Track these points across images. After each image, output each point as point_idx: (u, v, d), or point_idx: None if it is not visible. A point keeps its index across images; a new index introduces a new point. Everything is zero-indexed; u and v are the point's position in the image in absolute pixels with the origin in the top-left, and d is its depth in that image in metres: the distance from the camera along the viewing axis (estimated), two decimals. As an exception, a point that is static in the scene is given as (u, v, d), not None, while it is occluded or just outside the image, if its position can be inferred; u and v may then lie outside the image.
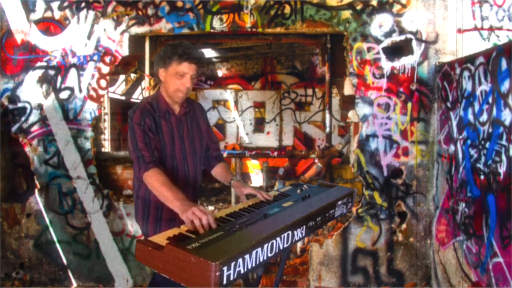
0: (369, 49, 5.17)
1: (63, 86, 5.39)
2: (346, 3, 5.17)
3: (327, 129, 6.70)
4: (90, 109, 5.42)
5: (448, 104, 4.74)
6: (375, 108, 5.19)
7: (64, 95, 5.39)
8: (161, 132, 3.18)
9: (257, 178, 12.88)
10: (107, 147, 9.55)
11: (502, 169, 3.56)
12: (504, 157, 3.53)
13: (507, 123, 3.49)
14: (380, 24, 5.15)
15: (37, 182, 5.46)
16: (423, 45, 5.14)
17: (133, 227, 5.45)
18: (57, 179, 5.44)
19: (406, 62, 5.16)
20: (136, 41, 5.67)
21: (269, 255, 2.38)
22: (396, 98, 5.16)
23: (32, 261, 5.53)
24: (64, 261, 5.52)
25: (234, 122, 13.71)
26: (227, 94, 13.63)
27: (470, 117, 4.17)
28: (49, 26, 5.38)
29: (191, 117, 3.40)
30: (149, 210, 3.23)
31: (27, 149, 5.42)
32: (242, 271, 2.17)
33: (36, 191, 5.47)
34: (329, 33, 5.88)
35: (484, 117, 3.89)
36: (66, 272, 5.53)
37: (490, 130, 3.77)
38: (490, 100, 3.77)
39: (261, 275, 2.94)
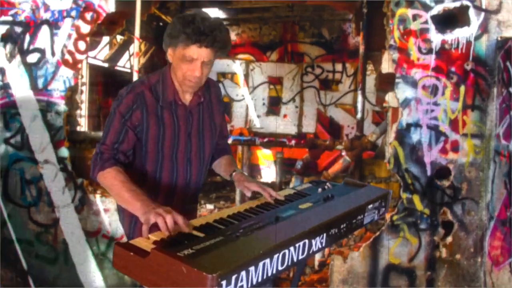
0: (414, 17, 5.13)
1: (31, 47, 5.39)
2: (389, -44, 5.13)
3: (359, 115, 6.71)
4: (64, 77, 5.43)
5: (511, 90, 4.71)
6: (420, 90, 5.16)
7: (32, 58, 5.40)
8: (163, 126, 3.07)
9: (268, 172, 12.93)
10: (83, 125, 9.60)
11: None
12: None
13: None
14: (430, -15, 5.11)
15: (-6, 166, 5.51)
16: (482, 14, 5.08)
17: (111, 226, 5.48)
18: (19, 162, 5.46)
19: (460, 35, 5.11)
20: (125, -5, 5.68)
21: (280, 268, 2.39)
22: (446, 80, 5.13)
23: (-15, 263, 5.59)
24: (24, 265, 5.56)
25: (243, 100, 13.75)
26: (236, 66, 13.64)
27: (539, 106, 4.16)
28: (17, -29, 5.40)
29: (205, 107, 3.28)
30: None
31: (-16, 124, 5.46)
32: (245, 287, 2.18)
33: (-7, 177, 5.51)
34: (366, -6, 5.87)
35: (556, 107, 3.87)
36: (25, 278, 5.57)
37: None
38: None
39: (269, 293, 2.95)
